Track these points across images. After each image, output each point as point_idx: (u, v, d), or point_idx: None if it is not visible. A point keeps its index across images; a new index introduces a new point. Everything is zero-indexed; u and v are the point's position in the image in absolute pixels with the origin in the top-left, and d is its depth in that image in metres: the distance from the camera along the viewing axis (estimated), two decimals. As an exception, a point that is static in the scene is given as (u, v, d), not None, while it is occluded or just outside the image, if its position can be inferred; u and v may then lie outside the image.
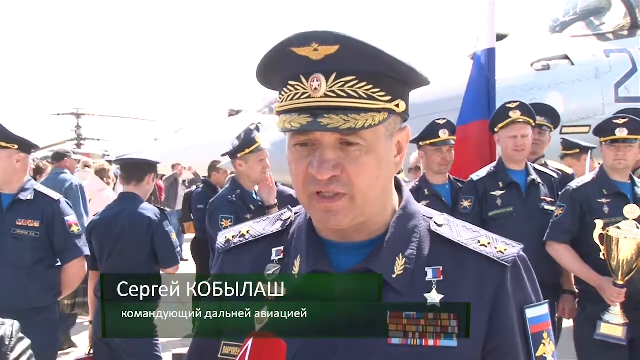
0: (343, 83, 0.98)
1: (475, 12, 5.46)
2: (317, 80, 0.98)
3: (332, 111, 0.98)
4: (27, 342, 1.35)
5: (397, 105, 1.03)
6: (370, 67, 0.99)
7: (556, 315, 3.83)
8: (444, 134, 4.04)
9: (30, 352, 1.34)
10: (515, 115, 3.81)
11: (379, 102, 1.00)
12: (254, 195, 3.98)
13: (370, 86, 0.99)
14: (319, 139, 1.01)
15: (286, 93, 1.02)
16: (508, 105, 3.87)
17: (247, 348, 0.97)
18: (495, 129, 3.87)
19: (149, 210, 3.72)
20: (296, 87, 1.00)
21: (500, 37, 7.10)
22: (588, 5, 7.51)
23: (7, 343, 1.30)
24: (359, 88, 0.98)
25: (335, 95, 0.98)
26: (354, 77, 0.98)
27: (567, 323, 4.38)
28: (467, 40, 7.25)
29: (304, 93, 0.99)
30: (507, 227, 3.55)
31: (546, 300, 1.14)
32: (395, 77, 1.02)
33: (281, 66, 1.02)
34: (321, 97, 0.98)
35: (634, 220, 3.20)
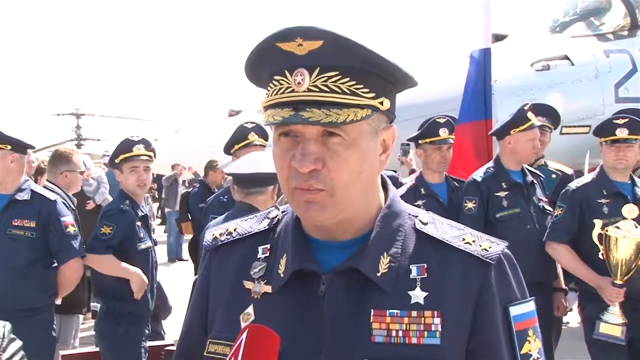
0: (326, 78, 0.99)
1: (472, 12, 5.43)
2: (301, 75, 0.99)
3: (315, 105, 0.98)
4: (18, 343, 1.34)
5: (382, 103, 1.02)
6: (353, 63, 0.99)
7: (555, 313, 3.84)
8: (444, 133, 4.02)
9: (22, 352, 1.34)
10: (532, 118, 3.81)
11: (363, 98, 1.00)
12: None
13: (353, 82, 0.99)
14: (302, 131, 1.01)
15: (272, 88, 1.03)
16: (525, 108, 3.85)
17: (242, 340, 0.97)
18: (511, 132, 3.77)
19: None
20: (281, 81, 1.01)
21: (500, 38, 7.11)
22: (588, 5, 7.51)
23: None
24: (342, 83, 0.99)
25: (318, 90, 0.99)
26: (337, 73, 0.99)
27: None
28: (466, 40, 7.24)
29: (288, 87, 1.00)
30: (514, 228, 3.55)
31: (532, 298, 1.13)
32: (380, 75, 1.02)
33: (267, 61, 1.03)
34: (304, 91, 0.99)
35: (633, 220, 3.19)
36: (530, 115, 3.80)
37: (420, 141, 4.08)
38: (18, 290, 3.31)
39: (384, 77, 1.03)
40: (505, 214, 3.67)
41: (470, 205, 3.72)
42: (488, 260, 1.07)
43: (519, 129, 3.76)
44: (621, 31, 7.20)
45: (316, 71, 0.99)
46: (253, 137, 3.81)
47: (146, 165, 3.68)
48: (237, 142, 3.83)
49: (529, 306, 1.11)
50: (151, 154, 3.71)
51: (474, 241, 1.10)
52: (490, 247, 1.09)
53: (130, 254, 3.57)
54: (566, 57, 6.66)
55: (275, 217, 1.20)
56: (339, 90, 0.99)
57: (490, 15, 5.24)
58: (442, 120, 4.07)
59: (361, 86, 1.00)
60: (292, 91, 1.00)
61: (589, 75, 6.58)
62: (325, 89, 0.98)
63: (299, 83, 0.99)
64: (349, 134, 1.01)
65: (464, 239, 1.10)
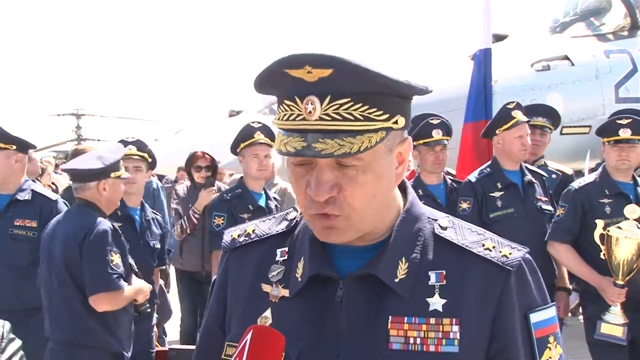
0: (338, 106, 0.95)
1: (474, 12, 5.45)
2: (312, 104, 0.95)
3: (327, 135, 0.95)
4: (18, 342, 1.34)
5: (396, 122, 0.99)
6: (365, 88, 0.95)
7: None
8: (437, 134, 4.02)
9: (21, 352, 1.33)
10: (518, 115, 3.81)
11: (376, 122, 0.97)
12: (259, 195, 3.92)
13: (366, 107, 0.96)
14: (316, 159, 0.98)
15: (282, 111, 1.00)
16: (509, 106, 3.85)
17: (247, 339, 0.96)
18: (497, 131, 3.83)
19: None
20: (291, 107, 0.98)
21: (500, 38, 7.09)
22: (588, 5, 7.49)
23: None
24: (355, 110, 0.95)
25: (330, 119, 0.95)
26: (349, 100, 0.95)
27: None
28: (467, 40, 7.23)
29: (299, 115, 0.97)
30: (508, 228, 3.54)
31: (553, 303, 1.11)
32: (393, 94, 0.99)
33: (276, 85, 1.00)
34: (316, 120, 0.95)
35: (635, 220, 3.19)
36: (515, 113, 3.81)
37: (414, 142, 4.09)
38: (19, 290, 3.32)
39: (397, 95, 1.00)
40: (499, 214, 3.68)
41: (464, 205, 3.74)
42: (508, 267, 1.05)
43: (504, 128, 3.79)
44: (621, 31, 7.19)
45: (327, 99, 0.95)
46: (259, 136, 3.81)
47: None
48: (243, 141, 3.84)
49: (550, 312, 1.09)
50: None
51: (494, 247, 1.08)
52: (510, 254, 1.07)
53: None
54: (566, 58, 6.64)
55: (294, 218, 1.18)
56: (352, 118, 0.95)
57: (491, 16, 5.25)
58: (435, 122, 4.07)
59: (374, 110, 0.96)
60: (303, 119, 0.96)
61: (589, 75, 6.56)
62: (338, 117, 0.95)
63: (310, 112, 0.95)
64: (364, 159, 0.98)
65: (484, 245, 1.08)
